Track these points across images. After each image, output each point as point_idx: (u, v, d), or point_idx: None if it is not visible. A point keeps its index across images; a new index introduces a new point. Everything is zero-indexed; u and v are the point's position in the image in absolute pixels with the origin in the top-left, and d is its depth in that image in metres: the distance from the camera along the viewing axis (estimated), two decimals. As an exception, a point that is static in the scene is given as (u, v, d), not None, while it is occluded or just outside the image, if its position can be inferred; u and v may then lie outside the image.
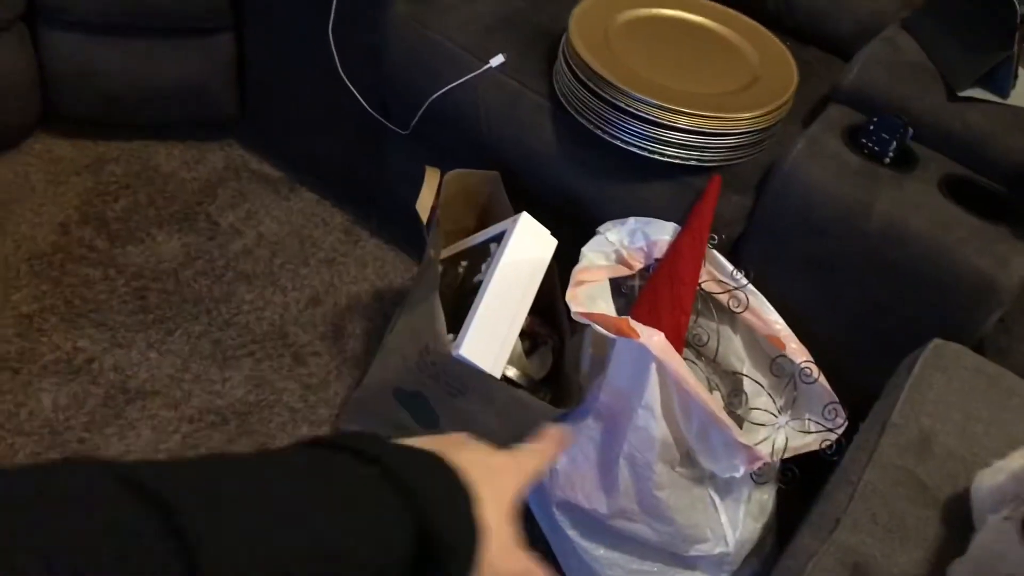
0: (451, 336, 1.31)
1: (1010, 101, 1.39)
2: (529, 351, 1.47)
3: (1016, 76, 1.39)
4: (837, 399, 1.29)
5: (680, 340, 1.32)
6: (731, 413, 1.35)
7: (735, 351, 1.40)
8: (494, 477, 0.56)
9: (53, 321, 1.63)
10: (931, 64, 1.46)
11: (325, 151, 1.91)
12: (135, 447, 1.48)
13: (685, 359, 1.33)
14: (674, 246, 1.37)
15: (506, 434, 1.37)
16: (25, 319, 1.62)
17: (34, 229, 1.78)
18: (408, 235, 1.90)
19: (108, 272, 1.73)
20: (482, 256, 1.45)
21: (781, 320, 1.34)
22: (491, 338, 1.28)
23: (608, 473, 1.28)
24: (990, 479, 1.04)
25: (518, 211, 1.43)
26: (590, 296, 1.30)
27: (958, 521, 1.05)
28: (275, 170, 2.01)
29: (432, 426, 1.40)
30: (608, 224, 1.43)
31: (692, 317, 1.40)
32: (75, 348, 1.60)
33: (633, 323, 1.19)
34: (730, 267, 1.36)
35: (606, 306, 1.30)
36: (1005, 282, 1.24)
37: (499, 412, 1.31)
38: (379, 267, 1.86)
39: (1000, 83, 1.39)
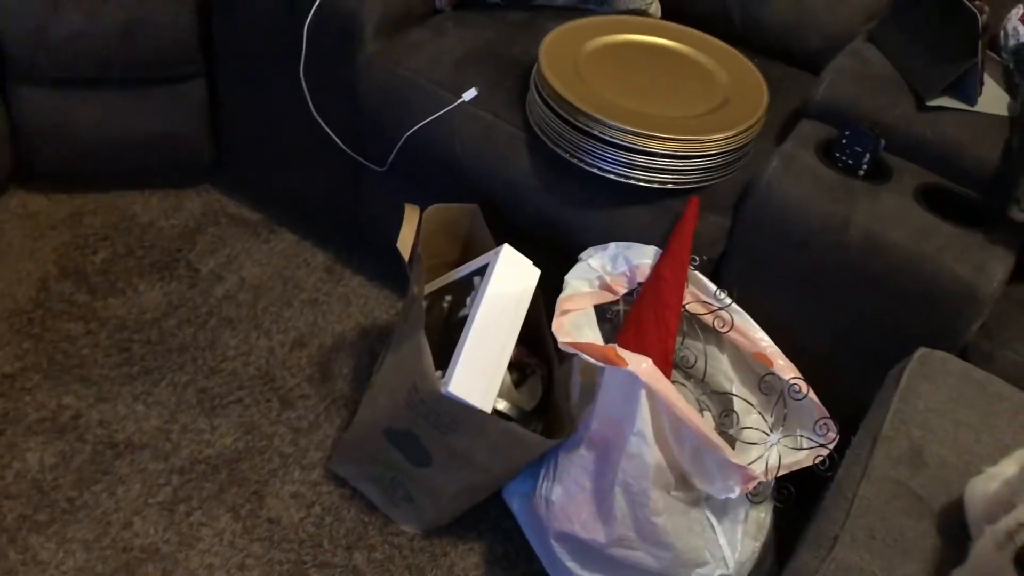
0: (439, 373, 1.30)
1: (978, 108, 1.41)
2: (518, 382, 1.47)
3: (982, 83, 1.40)
4: (828, 414, 1.29)
5: (668, 363, 1.32)
6: (723, 433, 1.35)
7: (723, 371, 1.41)
8: None
9: (36, 379, 1.61)
10: (898, 75, 1.48)
11: (303, 191, 1.91)
12: (125, 502, 1.47)
13: (674, 381, 1.34)
14: (656, 270, 1.37)
15: (499, 468, 1.37)
16: (8, 379, 1.61)
17: (12, 286, 1.77)
18: (391, 271, 1.90)
19: (90, 326, 1.72)
20: (466, 290, 1.45)
21: (767, 338, 1.34)
22: (480, 373, 1.28)
23: (604, 502, 1.28)
24: (983, 486, 1.05)
25: (499, 243, 1.43)
26: (576, 325, 1.30)
27: (955, 531, 1.05)
28: (253, 213, 2.01)
29: (424, 464, 1.39)
30: (590, 251, 1.44)
31: (678, 339, 1.40)
32: (60, 405, 1.58)
33: (620, 351, 1.20)
34: (713, 287, 1.37)
35: (593, 334, 1.30)
36: (985, 288, 1.25)
37: (492, 446, 1.31)
38: (363, 304, 1.86)
39: (967, 91, 1.41)
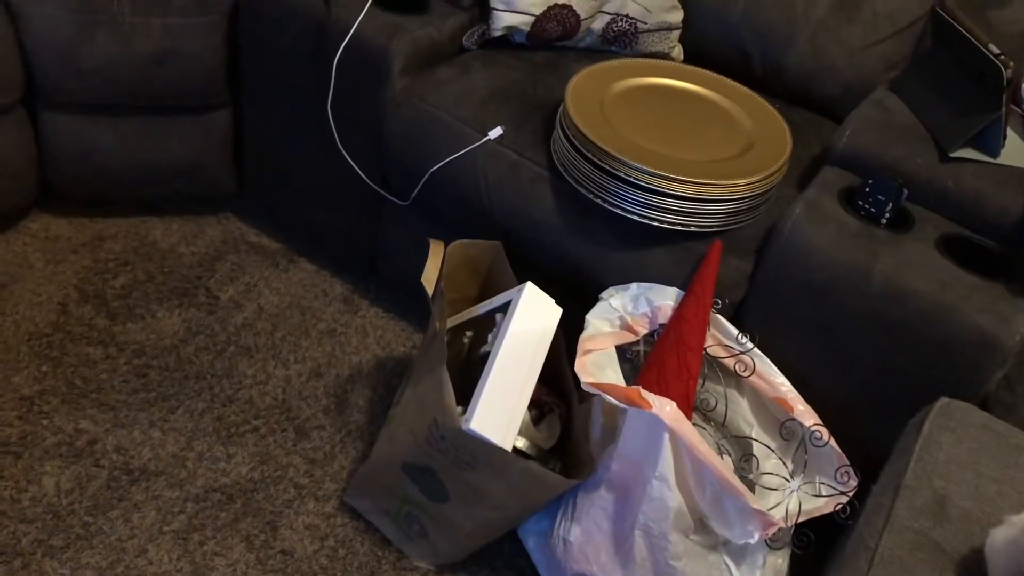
0: (460, 409, 1.30)
1: (1000, 160, 1.43)
2: (537, 420, 1.47)
3: (1005, 136, 1.42)
4: (848, 461, 1.29)
5: (689, 406, 1.32)
6: (742, 478, 1.35)
7: (743, 415, 1.41)
8: None
9: (54, 403, 1.62)
10: (921, 125, 1.49)
11: (324, 222, 1.92)
12: (140, 529, 1.46)
13: (694, 425, 1.34)
14: (678, 312, 1.38)
15: (517, 506, 1.37)
16: (26, 401, 1.61)
17: (33, 309, 1.78)
18: (408, 303, 1.91)
19: (109, 351, 1.72)
20: (487, 326, 1.46)
21: (788, 383, 1.35)
22: (501, 410, 1.28)
23: (623, 544, 1.27)
24: (1004, 534, 1.04)
25: (520, 280, 1.44)
26: (598, 365, 1.31)
27: (978, 584, 1.04)
28: (273, 242, 2.02)
29: (441, 500, 1.39)
30: (611, 290, 1.45)
31: (699, 382, 1.40)
32: (77, 430, 1.59)
33: (645, 393, 1.20)
34: (735, 331, 1.38)
35: (615, 375, 1.30)
36: (1007, 340, 1.26)
37: (510, 484, 1.30)
38: (380, 336, 1.86)
39: (990, 143, 1.42)
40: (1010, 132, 1.45)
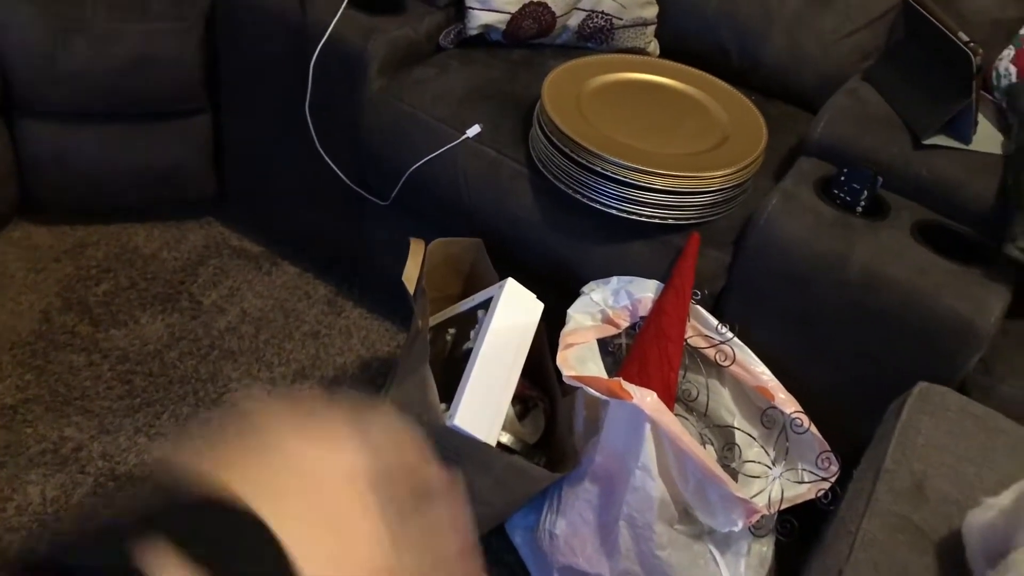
0: (444, 406, 1.31)
1: (973, 147, 1.44)
2: (521, 415, 1.48)
3: (976, 122, 1.43)
4: (829, 447, 1.31)
5: (671, 397, 1.33)
6: (725, 467, 1.36)
7: (725, 404, 1.42)
8: (328, 517, 0.35)
9: (38, 411, 1.62)
10: (894, 114, 1.51)
11: (305, 224, 1.92)
12: (127, 535, 1.46)
13: (676, 415, 1.35)
14: (658, 304, 1.39)
15: (503, 501, 1.37)
16: (9, 410, 1.61)
17: (15, 318, 1.77)
18: (391, 303, 1.91)
19: (92, 358, 1.72)
20: (470, 323, 1.46)
21: (768, 371, 1.36)
22: (484, 406, 1.29)
23: (608, 536, 1.28)
24: (980, 517, 1.05)
25: (502, 276, 1.44)
26: (580, 358, 1.31)
27: (957, 565, 1.06)
28: (256, 245, 2.02)
29: (428, 497, 1.39)
30: (592, 284, 1.45)
31: (681, 373, 1.41)
32: (62, 437, 1.58)
33: (625, 384, 1.21)
34: (715, 322, 1.39)
35: (596, 368, 1.31)
36: (983, 324, 1.27)
37: (496, 479, 1.31)
38: (364, 337, 1.87)
39: (962, 130, 1.44)
40: (981, 119, 1.47)
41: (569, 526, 1.32)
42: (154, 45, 1.75)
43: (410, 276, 1.42)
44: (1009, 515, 0.99)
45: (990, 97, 1.59)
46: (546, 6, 1.72)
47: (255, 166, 1.93)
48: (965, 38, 1.36)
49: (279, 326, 1.85)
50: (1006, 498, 1.04)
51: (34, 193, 1.91)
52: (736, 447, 1.38)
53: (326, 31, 1.61)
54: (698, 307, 1.40)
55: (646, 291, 1.42)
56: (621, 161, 1.38)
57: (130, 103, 1.81)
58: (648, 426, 1.21)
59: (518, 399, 1.46)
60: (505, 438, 1.39)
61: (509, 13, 1.71)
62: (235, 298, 1.89)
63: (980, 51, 1.36)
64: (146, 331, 1.79)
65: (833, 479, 1.29)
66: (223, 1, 1.75)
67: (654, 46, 1.87)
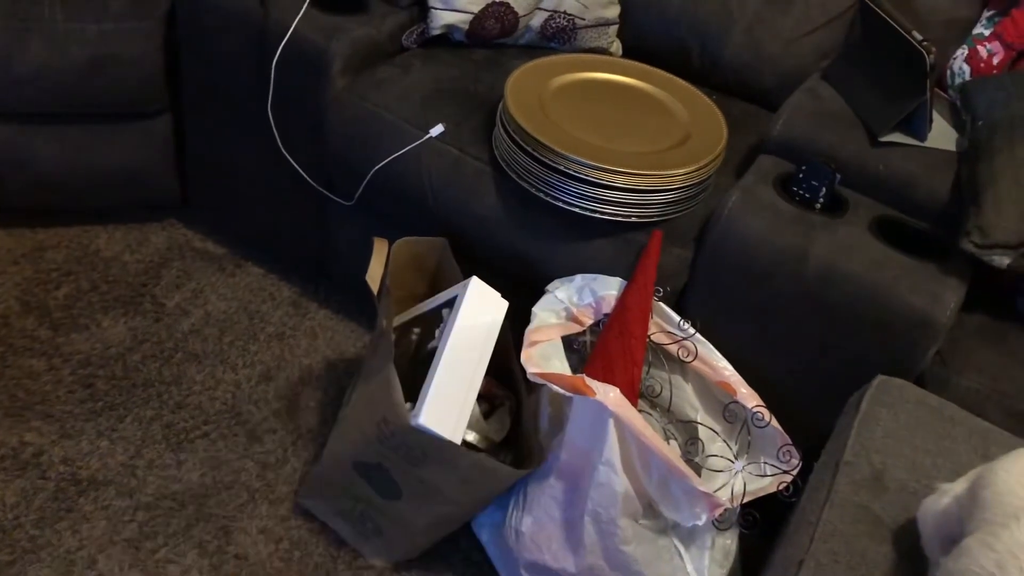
0: (409, 405, 1.31)
1: (928, 143, 1.47)
2: (487, 413, 1.48)
3: (931, 120, 1.46)
4: (790, 441, 1.32)
5: (634, 393, 1.34)
6: (689, 461, 1.37)
7: (688, 400, 1.43)
8: None
9: (-3, 416, 1.59)
10: (852, 112, 1.53)
11: (269, 225, 1.91)
12: (89, 540, 1.45)
13: (640, 411, 1.36)
14: (622, 301, 1.40)
15: (469, 499, 1.38)
16: (-32, 416, 1.58)
17: (-27, 323, 1.75)
18: (357, 304, 1.91)
19: (53, 362, 1.70)
20: (435, 322, 1.46)
21: (730, 367, 1.37)
22: (449, 404, 1.29)
23: (573, 531, 1.29)
24: (934, 503, 1.07)
25: (467, 275, 1.45)
26: (544, 356, 1.32)
27: (915, 552, 1.08)
28: (219, 247, 2.01)
29: (394, 497, 1.39)
30: (556, 282, 1.46)
31: (644, 369, 1.42)
32: (22, 443, 1.56)
33: (588, 380, 1.22)
34: (677, 318, 1.40)
35: (561, 365, 1.32)
36: (939, 317, 1.30)
37: (462, 478, 1.31)
38: (330, 338, 1.86)
39: (917, 127, 1.46)
40: (937, 116, 1.49)
41: (535, 523, 1.32)
42: (113, 45, 1.73)
43: (374, 276, 1.42)
44: (963, 501, 1.01)
45: (945, 95, 1.62)
46: (508, 6, 1.72)
47: (218, 167, 1.91)
48: (919, 37, 1.39)
49: (243, 328, 1.84)
50: (960, 485, 1.06)
51: (-8, 196, 1.88)
52: (699, 442, 1.39)
53: (288, 31, 1.61)
54: (661, 304, 1.41)
55: (610, 288, 1.43)
56: (583, 159, 1.38)
57: (90, 104, 1.79)
58: (612, 422, 1.22)
59: (484, 397, 1.46)
60: (471, 436, 1.39)
61: (472, 13, 1.71)
62: (199, 300, 1.88)
63: (934, 50, 1.38)
64: (108, 334, 1.77)
65: (795, 472, 1.31)
66: (184, 1, 1.74)
67: (616, 46, 1.88)
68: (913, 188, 1.44)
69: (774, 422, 1.32)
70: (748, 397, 1.34)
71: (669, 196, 1.42)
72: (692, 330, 1.38)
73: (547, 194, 1.44)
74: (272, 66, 1.63)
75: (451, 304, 1.43)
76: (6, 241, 1.92)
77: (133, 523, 1.48)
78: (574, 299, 1.43)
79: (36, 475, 1.52)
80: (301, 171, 1.71)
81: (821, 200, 1.40)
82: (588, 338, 1.48)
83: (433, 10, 1.71)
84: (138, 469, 1.56)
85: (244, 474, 1.58)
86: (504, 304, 1.43)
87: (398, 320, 1.54)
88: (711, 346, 1.38)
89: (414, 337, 1.54)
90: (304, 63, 1.63)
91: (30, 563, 1.40)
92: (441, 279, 1.59)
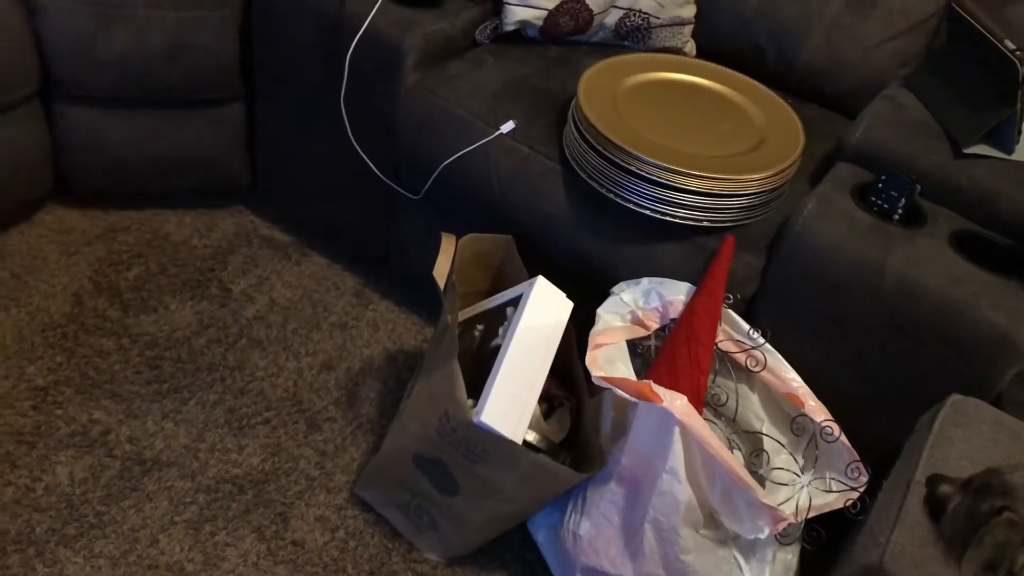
0: (471, 402, 1.31)
1: (1015, 157, 1.42)
2: (547, 414, 1.47)
3: (1020, 132, 1.41)
4: (858, 457, 1.29)
5: (700, 401, 1.32)
6: (753, 473, 1.35)
7: (754, 410, 1.41)
8: None
9: (68, 393, 1.63)
10: (935, 121, 1.49)
11: (335, 216, 1.93)
12: (152, 519, 1.47)
13: (705, 419, 1.34)
14: (690, 307, 1.38)
15: (527, 499, 1.37)
16: (40, 392, 1.62)
17: (48, 300, 1.79)
18: (419, 297, 1.92)
19: (122, 342, 1.74)
20: (498, 320, 1.46)
21: (799, 378, 1.34)
22: (512, 403, 1.28)
23: (633, 538, 1.27)
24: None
25: (532, 274, 1.44)
26: (609, 359, 1.31)
27: (989, 581, 1.04)
28: (286, 235, 2.03)
29: (452, 492, 1.39)
30: (622, 285, 1.45)
31: (710, 377, 1.40)
32: (91, 420, 1.60)
33: (655, 387, 1.20)
34: (746, 326, 1.37)
35: (626, 369, 1.30)
36: (1020, 336, 1.25)
37: (521, 478, 1.31)
38: (391, 330, 1.87)
39: (1004, 140, 1.42)
40: (1024, 128, 1.45)
41: (593, 527, 1.31)
42: (191, 33, 1.76)
43: (441, 271, 1.42)
44: None
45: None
46: (583, 3, 1.71)
47: (287, 156, 1.93)
48: (1011, 46, 1.34)
49: (307, 316, 1.86)
50: None
51: (68, 177, 1.93)
52: (764, 453, 1.36)
53: (363, 23, 1.61)
54: (730, 311, 1.39)
55: (677, 293, 1.41)
56: (656, 161, 1.37)
57: (165, 90, 1.82)
58: (677, 429, 1.20)
59: (544, 398, 1.46)
60: (531, 436, 1.39)
61: (546, 9, 1.70)
62: (264, 287, 1.90)
63: (1026, 60, 1.34)
64: (175, 317, 1.80)
65: (862, 489, 1.28)
66: (261, -9, 1.76)
67: (691, 46, 1.85)
68: (996, 202, 1.40)
69: (843, 437, 1.29)
70: (816, 410, 1.32)
71: (743, 201, 1.40)
72: (761, 339, 1.36)
73: (617, 195, 1.43)
74: (346, 58, 1.64)
75: (516, 302, 1.43)
76: (80, 222, 1.97)
77: (194, 505, 1.51)
78: (640, 302, 1.41)
79: (103, 453, 1.55)
80: (370, 163, 1.72)
81: (900, 211, 1.36)
82: (653, 343, 1.47)
83: (507, 6, 1.70)
84: (200, 452, 1.59)
85: (303, 461, 1.60)
86: (569, 304, 1.42)
87: (462, 316, 1.54)
88: (780, 356, 1.36)
89: (477, 333, 1.53)
90: (377, 56, 1.63)
91: (96, 538, 1.43)
92: (506, 277, 1.58)
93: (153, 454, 1.57)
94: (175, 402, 1.66)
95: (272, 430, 1.64)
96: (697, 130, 1.49)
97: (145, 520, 1.47)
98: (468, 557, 1.50)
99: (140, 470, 1.54)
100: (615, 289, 1.44)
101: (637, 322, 1.41)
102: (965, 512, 0.96)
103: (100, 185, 1.96)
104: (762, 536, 1.23)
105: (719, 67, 1.65)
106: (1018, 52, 1.33)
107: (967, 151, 1.42)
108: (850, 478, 1.28)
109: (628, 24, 1.77)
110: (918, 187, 1.38)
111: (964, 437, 1.19)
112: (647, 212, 1.41)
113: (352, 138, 1.71)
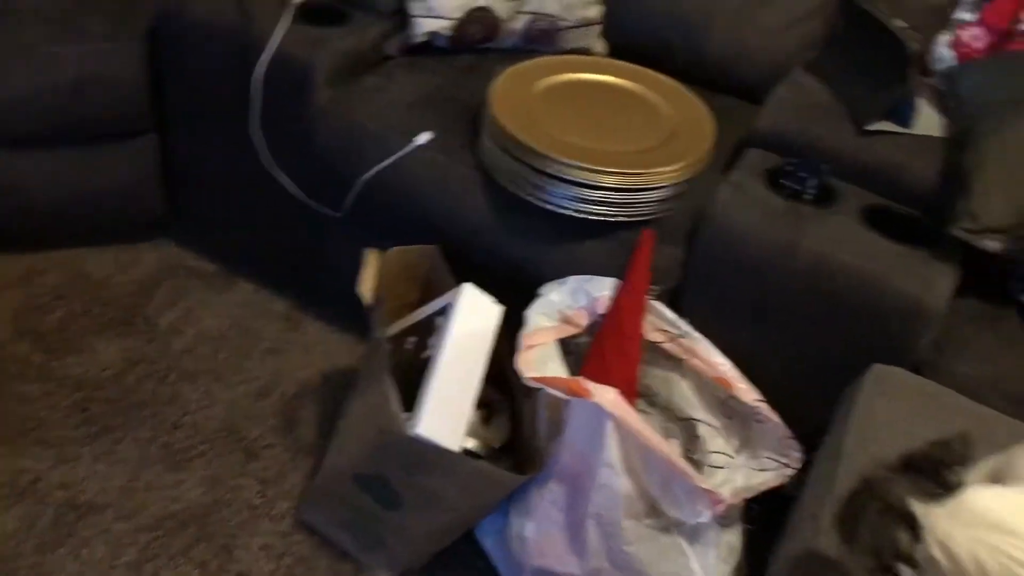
0: (406, 415, 1.30)
1: (914, 130, 1.47)
2: (485, 419, 1.48)
3: (917, 107, 1.46)
4: (791, 433, 1.32)
5: (632, 392, 1.34)
6: (689, 459, 1.37)
7: (686, 397, 1.43)
8: None
9: (-7, 444, 1.58)
10: (837, 102, 1.53)
11: (260, 240, 1.91)
12: (90, 565, 1.44)
13: (639, 410, 1.35)
14: (616, 301, 1.40)
15: (471, 506, 1.37)
16: (-36, 445, 1.57)
17: (-35, 350, 1.74)
18: (351, 315, 1.90)
19: (47, 387, 1.69)
20: (429, 331, 1.46)
21: (727, 362, 1.37)
22: (447, 413, 1.28)
23: (577, 535, 1.28)
24: None
25: (460, 282, 1.44)
26: (540, 359, 1.31)
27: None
28: (210, 264, 2.00)
29: (395, 507, 1.39)
30: (549, 285, 1.46)
31: (641, 368, 1.42)
32: (18, 470, 1.55)
33: (585, 383, 1.21)
34: (672, 316, 1.40)
35: (558, 368, 1.31)
36: (932, 304, 1.29)
37: (463, 485, 1.31)
38: (324, 351, 1.85)
39: (903, 115, 1.46)
40: (922, 102, 1.50)
41: (538, 528, 1.32)
42: (94, 66, 1.72)
43: (366, 287, 1.42)
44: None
45: (930, 81, 1.62)
46: (490, 11, 1.72)
47: (206, 184, 1.91)
48: (901, 24, 1.39)
49: (237, 344, 1.83)
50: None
51: (-21, 222, 1.87)
52: (699, 439, 1.39)
53: (270, 45, 1.60)
54: (655, 302, 1.41)
55: (603, 289, 1.42)
56: (570, 161, 1.38)
57: (74, 126, 1.78)
58: (610, 423, 1.21)
59: (482, 404, 1.46)
60: (470, 443, 1.39)
61: (454, 19, 1.71)
62: (191, 318, 1.87)
63: (917, 37, 1.38)
64: (101, 357, 1.76)
65: (796, 465, 1.30)
66: (163, 19, 1.73)
67: (601, 45, 1.88)
68: (901, 175, 1.44)
69: (773, 415, 1.32)
70: (746, 391, 1.34)
71: (658, 194, 1.42)
72: (687, 327, 1.38)
73: (535, 197, 1.44)
74: (256, 81, 1.62)
75: (444, 312, 1.43)
76: (-4, 267, 1.92)
77: (133, 546, 1.47)
78: (568, 301, 1.43)
79: (34, 501, 1.51)
80: (289, 184, 1.71)
81: (811, 192, 1.40)
82: (584, 340, 1.48)
83: (415, 18, 1.70)
84: (137, 491, 1.55)
85: (244, 491, 1.57)
86: (497, 310, 1.42)
87: (392, 329, 1.54)
88: (707, 342, 1.38)
89: (409, 346, 1.53)
90: (288, 77, 1.62)
91: (32, 590, 1.39)
92: (434, 287, 1.58)
93: (87, 498, 1.53)
94: (107, 443, 1.62)
95: (209, 462, 1.61)
96: (609, 127, 1.51)
97: (83, 567, 1.44)
98: (418, 570, 1.49)
99: (74, 516, 1.50)
100: (542, 290, 1.45)
101: (566, 321, 1.42)
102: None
103: (14, 227, 1.91)
104: (703, 520, 1.25)
105: (628, 65, 1.68)
106: (907, 30, 1.38)
107: (869, 128, 1.46)
108: (783, 455, 1.31)
109: (536, 28, 1.78)
110: (826, 167, 1.41)
111: (887, 405, 1.23)
112: (566, 212, 1.42)
113: (268, 161, 1.70)
